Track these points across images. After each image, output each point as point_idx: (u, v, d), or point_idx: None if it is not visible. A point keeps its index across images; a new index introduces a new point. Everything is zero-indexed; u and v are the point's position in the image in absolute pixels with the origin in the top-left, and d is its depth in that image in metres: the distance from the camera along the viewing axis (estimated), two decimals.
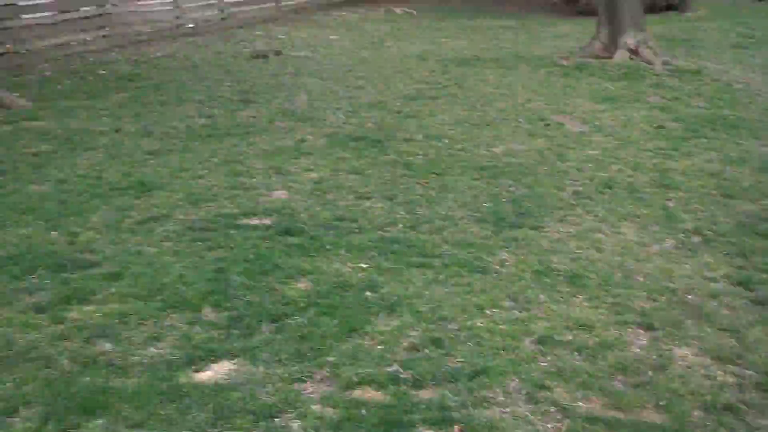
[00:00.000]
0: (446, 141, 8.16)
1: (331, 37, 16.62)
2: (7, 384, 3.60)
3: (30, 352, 3.88)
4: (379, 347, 4.09)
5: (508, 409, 3.60)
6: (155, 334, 4.10)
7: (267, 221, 5.80)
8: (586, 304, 4.64)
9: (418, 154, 7.65)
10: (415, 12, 22.36)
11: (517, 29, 18.09)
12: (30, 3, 13.04)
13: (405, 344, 4.14)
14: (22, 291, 4.52)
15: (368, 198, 6.39)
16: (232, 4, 19.13)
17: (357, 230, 5.67)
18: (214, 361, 3.91)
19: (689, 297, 4.74)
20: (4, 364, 3.74)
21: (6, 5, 12.35)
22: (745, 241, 5.52)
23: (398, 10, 22.45)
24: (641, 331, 4.34)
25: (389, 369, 3.89)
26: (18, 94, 9.67)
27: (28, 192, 6.16)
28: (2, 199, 5.96)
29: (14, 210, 5.72)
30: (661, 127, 8.65)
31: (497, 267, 5.12)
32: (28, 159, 7.10)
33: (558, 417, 3.56)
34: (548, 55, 13.42)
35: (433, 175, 7.00)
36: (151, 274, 4.77)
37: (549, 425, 3.51)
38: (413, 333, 4.25)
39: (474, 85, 11.14)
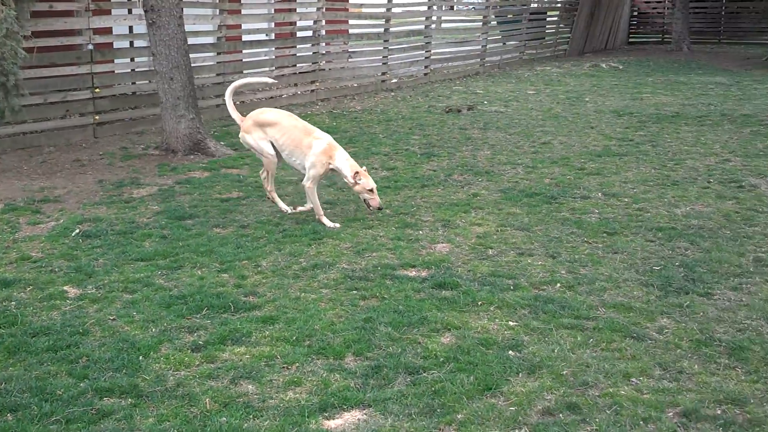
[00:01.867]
0: (625, 200, 7.91)
1: (529, 92, 16.69)
2: (149, 419, 3.90)
3: (178, 389, 4.19)
4: (511, 408, 4.04)
5: None
6: (296, 379, 4.31)
7: (424, 273, 5.93)
8: (743, 378, 4.30)
9: (592, 213, 7.47)
10: (621, 66, 21.89)
11: (728, 85, 17.17)
12: (253, 59, 14.31)
13: (539, 407, 4.05)
14: (185, 329, 4.91)
15: (531, 255, 6.34)
16: (437, 61, 19.80)
17: (512, 287, 5.64)
18: (346, 410, 4.03)
19: None
20: (150, 399, 4.09)
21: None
22: None
23: (604, 65, 22.11)
24: None
25: None
26: (224, 143, 10.62)
27: (210, 235, 6.74)
28: (187, 241, 6.55)
29: (195, 252, 6.27)
30: None
31: (654, 334, 4.88)
32: (218, 204, 7.75)
33: None
34: (756, 114, 12.61)
35: (604, 235, 6.81)
36: (304, 320, 5.04)
37: None
38: (550, 396, 4.15)
39: (668, 142, 10.72)
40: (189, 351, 4.62)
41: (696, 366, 4.45)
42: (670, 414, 3.96)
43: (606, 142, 10.80)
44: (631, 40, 30.85)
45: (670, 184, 8.48)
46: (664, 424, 3.85)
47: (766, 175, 8.71)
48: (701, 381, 4.27)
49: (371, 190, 6.87)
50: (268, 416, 3.94)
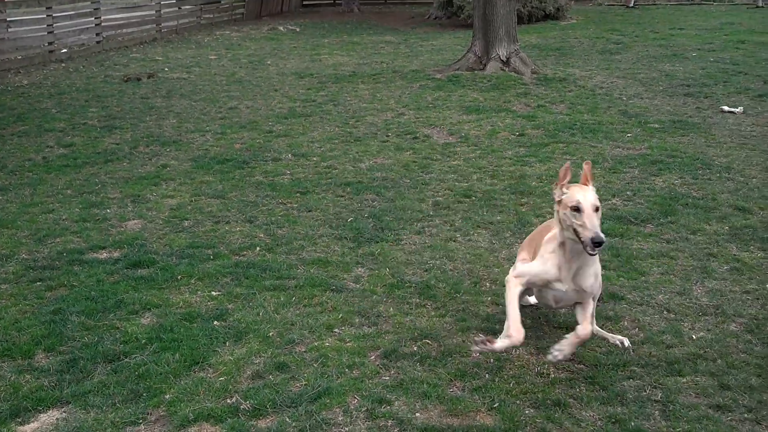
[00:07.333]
0: (314, 159, 8.13)
1: (210, 57, 16.41)
2: None
3: None
4: (221, 379, 3.98)
5: (346, 429, 3.56)
6: None
7: (116, 254, 5.60)
8: (433, 313, 4.67)
9: (284, 174, 7.58)
10: (298, 29, 22.36)
11: (397, 44, 18.30)
12: None
13: (249, 373, 4.04)
14: None
15: (227, 222, 6.28)
16: (110, 27, 18.65)
17: (212, 257, 5.55)
18: (42, 411, 3.70)
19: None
20: None
21: None
22: None
23: (282, 28, 22.42)
24: (483, 336, 4.38)
25: (229, 401, 3.79)
26: None
27: None
28: None
29: None
30: (522, 134, 8.88)
31: (351, 284, 5.10)
32: None
33: (395, 431, 3.54)
34: (424, 69, 13.62)
35: (298, 194, 6.95)
36: None
37: None
38: (258, 360, 4.16)
39: (348, 101, 11.18)
40: None
41: (391, 309, 4.73)
42: (372, 357, 4.18)
43: (291, 104, 11.00)
44: (305, 2, 31.62)
45: (353, 141, 8.87)
46: (367, 368, 4.05)
47: (436, 125, 9.46)
48: (397, 322, 4.56)
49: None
50: None
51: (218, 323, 4.56)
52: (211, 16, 23.56)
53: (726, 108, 9.81)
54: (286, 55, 16.66)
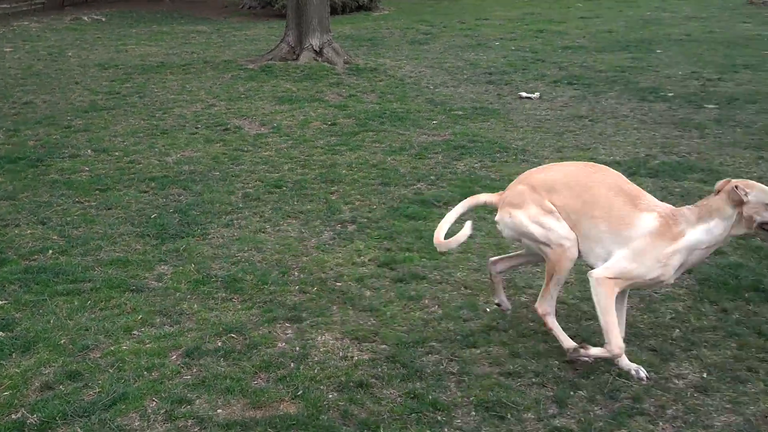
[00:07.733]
0: (117, 154, 7.75)
1: (6, 50, 15.24)
2: None
3: None
4: (5, 393, 3.68)
5: None
6: None
7: None
8: (240, 306, 4.57)
9: (83, 171, 7.17)
10: (104, 19, 21.28)
11: (209, 33, 17.85)
12: None
13: (37, 384, 3.77)
14: None
15: (17, 225, 5.84)
16: None
17: None
18: None
19: (338, 284, 4.86)
20: None
21: None
22: (394, 225, 5.82)
23: (87, 18, 21.24)
24: (288, 325, 4.35)
25: (14, 416, 3.51)
26: None
27: None
28: None
29: None
30: (334, 124, 8.92)
31: (153, 283, 4.89)
32: None
33: (195, 430, 3.43)
34: (236, 59, 13.37)
35: (97, 192, 6.59)
36: None
37: None
38: (48, 370, 3.89)
39: (156, 92, 10.75)
40: None
41: (195, 305, 4.59)
42: (173, 357, 4.02)
43: (93, 97, 10.43)
44: None
45: (159, 134, 8.54)
46: (167, 369, 3.90)
47: (248, 116, 9.30)
48: (201, 318, 4.42)
49: None
50: None
51: (3, 334, 4.23)
52: (8, 6, 21.91)
53: (524, 94, 10.36)
54: (90, 46, 15.77)
